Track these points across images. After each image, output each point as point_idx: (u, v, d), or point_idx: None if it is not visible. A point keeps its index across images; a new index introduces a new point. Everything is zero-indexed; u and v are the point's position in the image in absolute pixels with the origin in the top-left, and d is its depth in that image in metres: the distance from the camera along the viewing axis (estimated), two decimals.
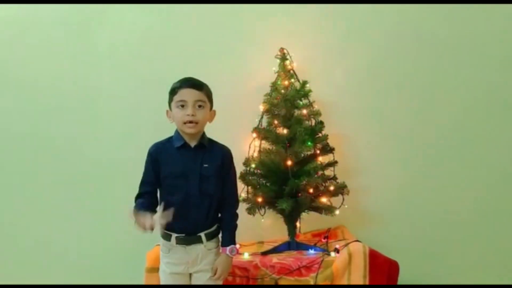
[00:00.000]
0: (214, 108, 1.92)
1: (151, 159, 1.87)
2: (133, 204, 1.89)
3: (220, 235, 1.94)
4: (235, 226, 1.94)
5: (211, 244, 1.89)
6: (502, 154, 2.68)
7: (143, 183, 1.89)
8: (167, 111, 1.90)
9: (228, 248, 1.89)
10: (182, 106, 1.82)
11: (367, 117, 2.66)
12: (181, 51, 2.66)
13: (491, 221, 2.67)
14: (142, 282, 2.11)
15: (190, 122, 1.81)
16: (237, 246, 2.26)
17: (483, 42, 2.66)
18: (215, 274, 1.87)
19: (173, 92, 1.85)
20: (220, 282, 1.91)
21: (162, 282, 1.91)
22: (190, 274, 1.90)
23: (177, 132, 1.90)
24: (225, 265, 1.89)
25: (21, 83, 2.71)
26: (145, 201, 1.84)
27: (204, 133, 1.91)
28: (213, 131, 1.95)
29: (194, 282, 1.90)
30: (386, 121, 2.67)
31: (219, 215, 1.93)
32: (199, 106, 1.83)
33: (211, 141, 1.93)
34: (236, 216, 1.95)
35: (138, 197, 1.87)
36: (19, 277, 2.69)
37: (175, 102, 1.84)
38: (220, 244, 1.93)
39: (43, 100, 2.71)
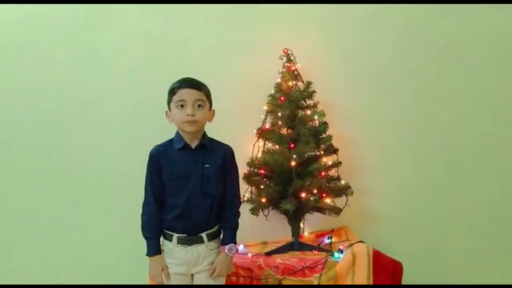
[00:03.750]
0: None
1: (153, 161, 1.88)
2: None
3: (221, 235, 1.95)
4: (236, 225, 1.94)
5: (213, 244, 1.90)
6: (506, 155, 2.66)
7: (151, 196, 1.88)
8: (166, 111, 1.90)
9: (226, 246, 1.89)
10: (182, 106, 1.82)
11: (371, 118, 2.66)
12: (185, 52, 2.66)
13: (495, 222, 2.66)
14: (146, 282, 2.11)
15: (190, 121, 1.81)
16: (240, 246, 2.27)
17: (486, 42, 2.64)
18: (213, 272, 1.87)
19: (172, 92, 1.86)
20: (222, 282, 1.91)
21: (165, 283, 1.91)
22: (192, 275, 1.90)
23: (177, 133, 1.90)
24: (223, 263, 1.89)
25: (23, 85, 2.71)
26: (153, 227, 1.88)
27: (205, 133, 1.91)
28: (217, 132, 1.96)
29: (196, 283, 1.90)
30: (390, 122, 2.66)
31: (221, 214, 1.93)
32: (199, 105, 1.83)
33: (212, 140, 1.93)
34: (237, 215, 1.95)
35: (145, 216, 1.89)
36: (21, 277, 2.71)
37: (174, 102, 1.84)
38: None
39: (45, 101, 2.71)
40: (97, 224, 2.71)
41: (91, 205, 2.72)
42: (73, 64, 2.70)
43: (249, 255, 2.24)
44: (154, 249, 1.87)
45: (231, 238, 1.91)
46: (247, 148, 2.46)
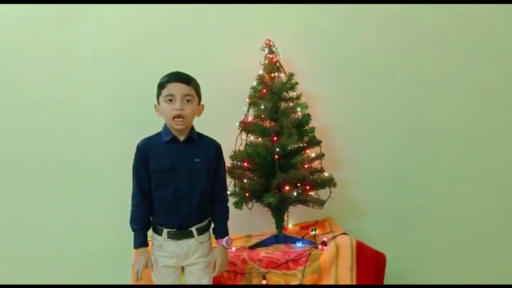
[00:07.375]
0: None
1: (140, 154, 1.88)
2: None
3: (211, 229, 1.97)
4: (228, 218, 1.98)
5: (203, 237, 1.91)
6: (493, 147, 2.68)
7: (137, 188, 1.88)
8: (155, 105, 1.90)
9: (224, 239, 1.92)
10: (170, 100, 1.82)
11: (354, 109, 2.65)
12: (165, 44, 2.61)
13: (479, 213, 2.69)
14: (129, 277, 2.09)
15: (178, 116, 1.81)
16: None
17: (471, 33, 2.65)
18: (214, 267, 1.90)
19: (161, 86, 1.85)
20: (211, 277, 1.92)
21: (154, 275, 1.92)
22: (183, 267, 1.92)
23: (165, 126, 1.90)
24: (223, 256, 1.92)
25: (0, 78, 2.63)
26: (137, 218, 1.87)
27: (193, 127, 1.91)
28: (200, 125, 1.95)
29: (188, 274, 1.92)
30: (373, 113, 2.66)
31: (209, 208, 1.94)
32: (187, 100, 1.83)
33: (200, 135, 1.93)
34: (228, 208, 1.98)
35: (132, 208, 1.88)
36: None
37: (163, 96, 1.84)
38: (214, 237, 1.96)
39: (23, 94, 2.63)
40: (80, 220, 2.66)
41: (74, 200, 2.66)
42: (51, 56, 2.63)
43: (233, 249, 2.23)
44: (139, 242, 1.88)
45: (225, 231, 1.95)
46: (230, 141, 2.44)
